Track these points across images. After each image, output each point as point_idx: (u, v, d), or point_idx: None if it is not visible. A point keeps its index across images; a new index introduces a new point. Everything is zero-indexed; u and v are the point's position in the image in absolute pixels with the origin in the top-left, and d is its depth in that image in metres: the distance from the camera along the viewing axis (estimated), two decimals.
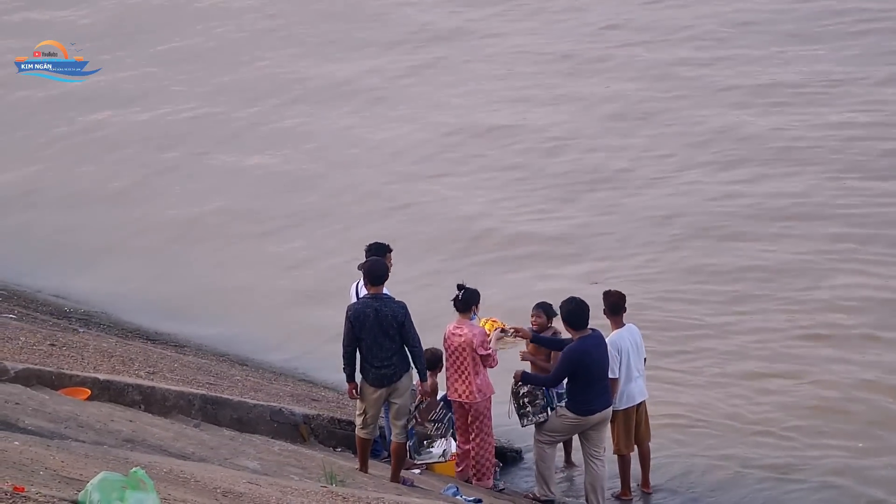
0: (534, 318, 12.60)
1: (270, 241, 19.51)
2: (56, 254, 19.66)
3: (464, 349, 11.97)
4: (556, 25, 26.61)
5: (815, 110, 21.72)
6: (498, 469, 12.84)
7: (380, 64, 25.69)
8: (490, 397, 12.19)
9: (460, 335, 11.98)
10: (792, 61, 23.60)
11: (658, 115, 22.20)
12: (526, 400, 11.99)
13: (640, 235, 18.45)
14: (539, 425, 11.98)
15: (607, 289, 12.59)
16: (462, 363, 12.02)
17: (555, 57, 25.06)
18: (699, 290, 16.78)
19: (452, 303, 12.13)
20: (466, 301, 12.08)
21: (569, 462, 13.15)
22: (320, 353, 15.98)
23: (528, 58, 25.21)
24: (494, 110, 23.16)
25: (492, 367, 12.13)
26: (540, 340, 12.34)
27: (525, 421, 12.09)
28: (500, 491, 12.43)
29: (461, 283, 12.20)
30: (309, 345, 16.58)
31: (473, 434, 12.24)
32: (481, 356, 12.00)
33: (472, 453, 12.31)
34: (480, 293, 12.28)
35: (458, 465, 12.53)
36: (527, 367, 12.49)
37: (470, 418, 12.19)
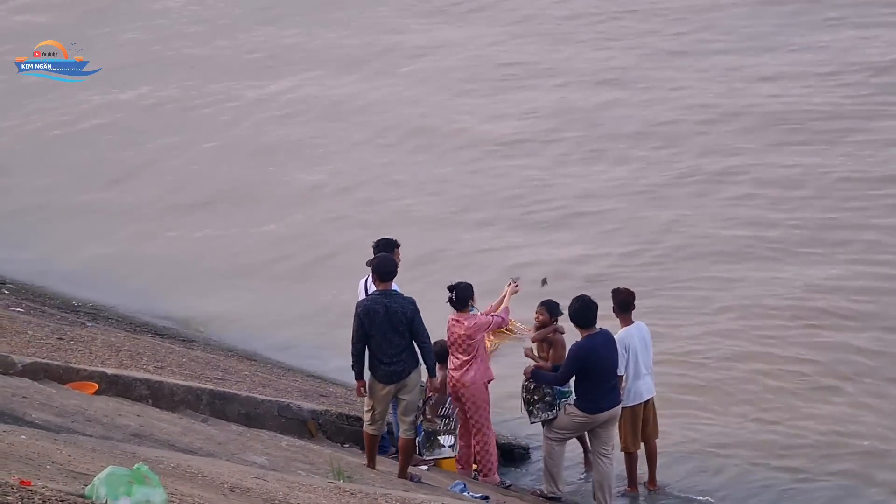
0: (537, 316, 12.57)
1: (268, 233, 19.56)
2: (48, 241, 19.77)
3: (462, 341, 12.04)
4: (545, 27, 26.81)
5: (810, 92, 21.87)
6: None
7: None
8: (485, 386, 12.17)
9: (459, 326, 12.03)
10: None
11: (649, 100, 22.34)
12: (535, 397, 11.97)
13: (638, 224, 18.53)
14: (548, 422, 11.97)
15: (616, 286, 12.56)
16: (459, 354, 12.08)
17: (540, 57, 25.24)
18: (701, 280, 16.81)
19: (449, 303, 12.13)
20: (461, 299, 12.09)
21: (588, 463, 13.06)
22: (327, 348, 16.00)
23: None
24: (484, 106, 23.32)
25: (506, 320, 12.35)
26: (541, 377, 12.24)
27: (533, 418, 12.09)
28: (507, 487, 12.41)
29: (451, 283, 12.18)
30: (317, 339, 16.58)
31: (474, 430, 12.23)
32: (498, 325, 12.20)
33: (476, 449, 12.29)
34: (472, 285, 12.26)
35: (458, 462, 12.52)
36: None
37: (468, 412, 12.16)
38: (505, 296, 12.57)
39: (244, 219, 20.06)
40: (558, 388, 11.92)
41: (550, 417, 11.94)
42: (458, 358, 12.14)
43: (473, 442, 12.30)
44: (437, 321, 12.16)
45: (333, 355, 15.63)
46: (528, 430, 13.40)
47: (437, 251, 18.10)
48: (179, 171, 21.92)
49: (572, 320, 11.75)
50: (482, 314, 12.33)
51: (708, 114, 21.73)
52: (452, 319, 12.14)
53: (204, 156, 22.51)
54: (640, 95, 22.81)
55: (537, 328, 12.54)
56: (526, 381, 12.05)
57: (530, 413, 12.08)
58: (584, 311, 11.63)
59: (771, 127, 20.98)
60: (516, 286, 12.57)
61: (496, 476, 12.38)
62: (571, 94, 23.20)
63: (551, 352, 12.36)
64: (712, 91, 22.55)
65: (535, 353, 12.53)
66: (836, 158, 19.69)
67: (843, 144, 20.09)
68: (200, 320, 17.34)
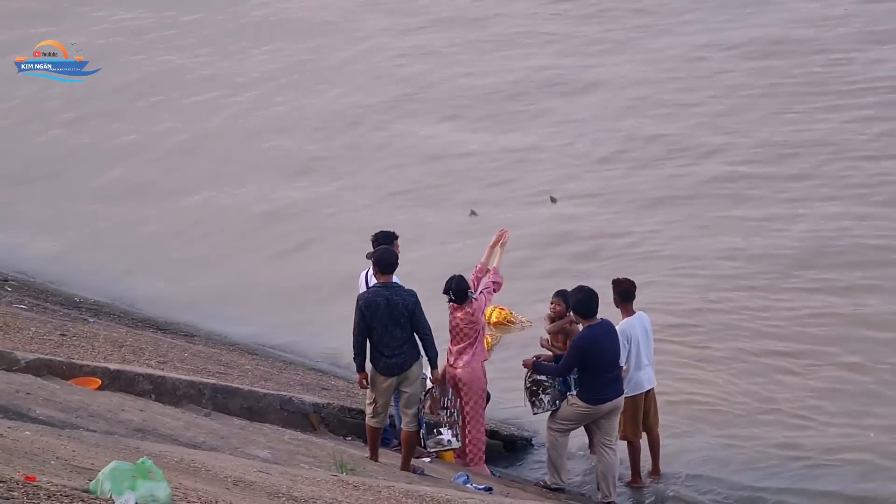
0: (553, 306, 12.55)
1: (268, 228, 19.61)
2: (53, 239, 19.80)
3: (464, 325, 12.06)
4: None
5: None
6: None
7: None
8: (482, 369, 12.18)
9: (460, 309, 12.08)
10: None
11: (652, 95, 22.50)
12: (538, 388, 11.98)
13: (648, 213, 18.58)
14: (552, 414, 11.97)
15: (616, 277, 12.55)
16: (458, 341, 12.09)
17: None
18: (711, 269, 16.84)
19: (450, 301, 12.11)
20: (460, 293, 12.08)
21: (593, 452, 13.11)
22: (328, 340, 16.05)
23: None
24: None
25: (499, 283, 12.29)
26: (543, 369, 12.22)
27: (536, 409, 12.09)
28: (498, 477, 12.43)
29: (444, 287, 12.17)
30: (318, 331, 16.63)
31: (468, 417, 12.23)
32: (495, 286, 12.20)
33: (468, 437, 12.29)
34: (464, 276, 12.28)
35: (456, 454, 12.53)
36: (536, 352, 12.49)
37: (464, 398, 12.16)
38: (492, 246, 12.48)
39: (229, 207, 20.16)
40: (561, 378, 11.92)
41: (554, 409, 11.95)
42: (456, 344, 12.15)
43: (467, 430, 12.29)
44: (439, 311, 12.18)
45: (324, 340, 15.79)
46: (530, 421, 13.42)
47: (419, 235, 18.12)
48: (160, 158, 22.00)
49: (575, 311, 11.76)
50: (473, 276, 12.30)
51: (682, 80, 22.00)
52: (452, 305, 12.15)
53: (181, 144, 22.58)
54: (615, 71, 23.03)
55: (552, 319, 12.52)
56: (529, 373, 12.05)
57: (532, 405, 12.08)
58: (586, 301, 11.63)
59: (756, 99, 21.22)
60: (503, 235, 12.52)
61: (483, 465, 12.38)
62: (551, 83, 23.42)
63: (568, 343, 12.34)
64: (685, 65, 22.82)
65: (550, 343, 12.53)
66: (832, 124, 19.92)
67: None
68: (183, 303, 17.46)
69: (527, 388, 12.07)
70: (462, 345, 12.12)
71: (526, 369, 12.07)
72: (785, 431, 13.27)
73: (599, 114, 21.91)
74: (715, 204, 18.47)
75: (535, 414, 12.25)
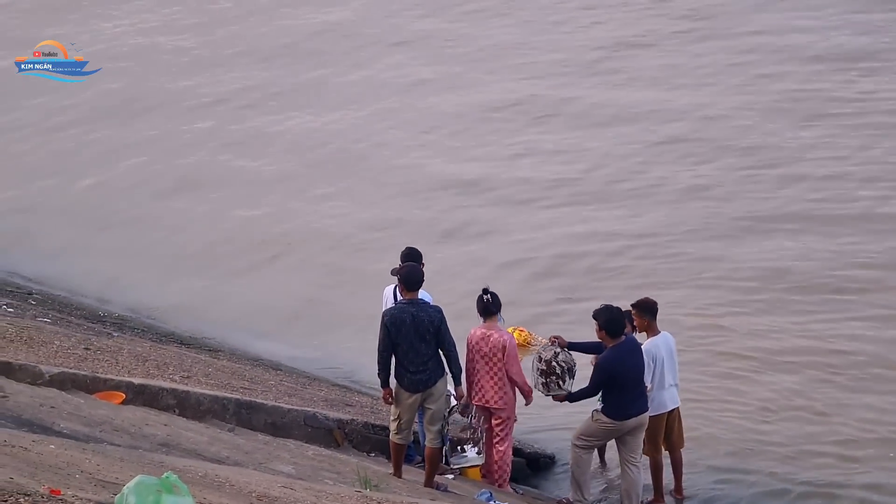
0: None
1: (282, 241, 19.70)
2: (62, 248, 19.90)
3: (494, 354, 11.92)
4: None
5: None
6: None
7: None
8: (514, 399, 12.14)
9: (491, 339, 11.93)
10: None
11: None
12: (548, 376, 11.83)
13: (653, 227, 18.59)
14: (577, 431, 11.87)
15: (639, 298, 12.45)
16: (493, 367, 11.96)
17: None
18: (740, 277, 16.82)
19: (481, 307, 12.03)
20: (497, 302, 12.02)
21: (602, 462, 13.08)
22: (354, 357, 16.04)
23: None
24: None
25: (525, 387, 12.07)
26: (576, 347, 12.18)
27: (547, 391, 11.94)
28: (521, 495, 12.40)
29: (487, 287, 12.13)
30: (343, 347, 16.63)
31: (498, 438, 12.17)
32: (511, 368, 11.95)
33: (497, 457, 12.24)
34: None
35: (482, 471, 12.48)
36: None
37: (495, 421, 12.12)
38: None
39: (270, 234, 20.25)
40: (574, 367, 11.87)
41: (563, 394, 11.83)
42: (487, 373, 12.05)
43: (496, 450, 12.24)
44: (466, 330, 12.15)
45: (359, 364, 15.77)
46: (554, 440, 13.39)
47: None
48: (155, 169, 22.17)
49: (605, 329, 11.55)
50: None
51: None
52: (481, 333, 11.99)
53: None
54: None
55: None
56: (538, 355, 11.94)
57: (545, 386, 11.92)
58: (617, 320, 11.56)
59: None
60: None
61: (508, 484, 12.34)
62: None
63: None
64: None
65: None
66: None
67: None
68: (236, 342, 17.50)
69: (539, 371, 11.89)
70: (493, 379, 12.02)
71: (536, 354, 11.99)
72: (818, 458, 13.08)
73: None
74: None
75: (545, 395, 12.07)
